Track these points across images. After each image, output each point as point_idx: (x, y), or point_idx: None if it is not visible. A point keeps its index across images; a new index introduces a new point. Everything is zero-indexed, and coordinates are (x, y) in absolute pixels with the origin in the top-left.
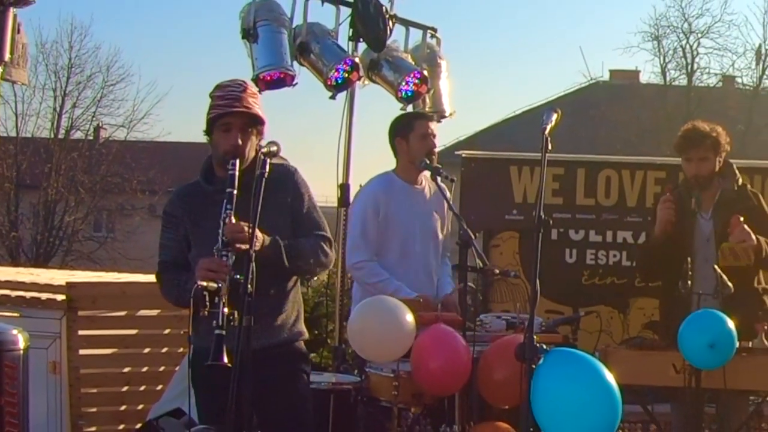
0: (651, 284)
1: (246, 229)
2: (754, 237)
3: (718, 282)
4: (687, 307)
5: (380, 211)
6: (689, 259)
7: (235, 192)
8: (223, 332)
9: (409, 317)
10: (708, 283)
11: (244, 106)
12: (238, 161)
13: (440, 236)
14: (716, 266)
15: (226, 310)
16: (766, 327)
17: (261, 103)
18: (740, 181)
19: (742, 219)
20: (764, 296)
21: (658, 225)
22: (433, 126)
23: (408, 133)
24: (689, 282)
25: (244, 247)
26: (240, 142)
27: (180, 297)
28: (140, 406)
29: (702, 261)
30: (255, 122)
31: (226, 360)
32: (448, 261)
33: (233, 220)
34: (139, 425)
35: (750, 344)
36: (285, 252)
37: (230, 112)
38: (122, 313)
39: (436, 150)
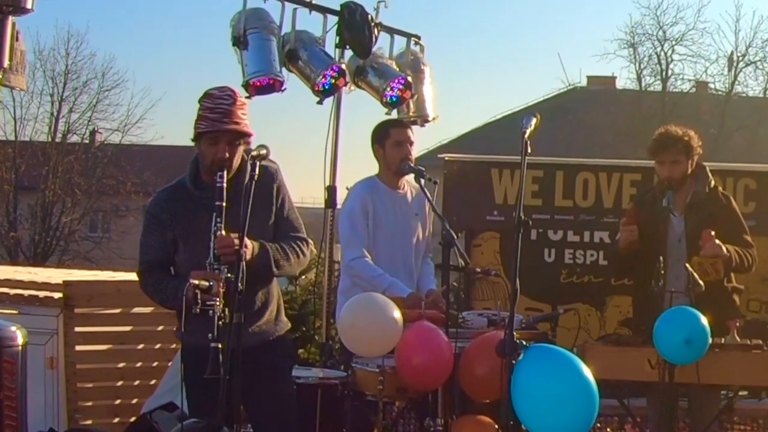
0: (627, 282)
1: (236, 242)
2: (725, 249)
3: (689, 280)
4: (659, 304)
5: (369, 212)
6: (662, 258)
7: (224, 204)
8: (219, 345)
9: (397, 314)
10: (680, 281)
11: (234, 122)
12: (225, 172)
13: (421, 238)
14: (687, 265)
15: (217, 316)
16: (737, 324)
17: (248, 111)
18: (712, 183)
19: (713, 233)
20: (734, 294)
21: (620, 242)
22: (411, 133)
23: (384, 140)
24: (662, 281)
25: (233, 258)
26: (227, 155)
27: (166, 300)
28: (134, 400)
29: (674, 260)
30: (243, 135)
31: (222, 372)
32: (430, 261)
33: (223, 233)
34: (133, 418)
35: (722, 340)
36: (273, 259)
37: (216, 130)
38: (117, 311)
39: (417, 153)
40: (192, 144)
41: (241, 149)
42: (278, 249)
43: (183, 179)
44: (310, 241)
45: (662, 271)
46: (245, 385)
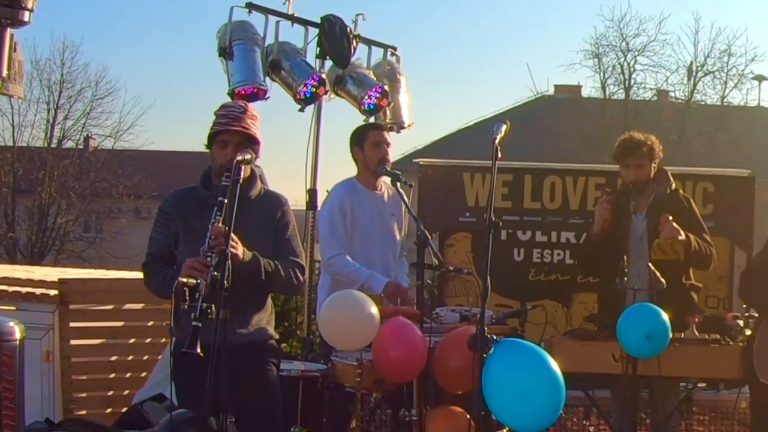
0: (592, 280)
1: (232, 238)
2: (683, 233)
3: (651, 278)
4: (622, 301)
5: (347, 212)
6: (626, 257)
7: (226, 201)
8: (200, 324)
9: (374, 310)
10: (642, 279)
11: (242, 126)
12: (232, 173)
13: (398, 237)
14: (650, 264)
15: (204, 304)
16: (696, 319)
17: (259, 125)
18: (673, 185)
19: (671, 218)
20: (692, 292)
21: (596, 223)
22: (387, 135)
23: (363, 142)
24: (625, 278)
25: (224, 249)
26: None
27: (162, 289)
28: (126, 392)
29: (636, 258)
30: (250, 141)
31: (198, 350)
32: (404, 260)
33: (220, 225)
34: (125, 409)
35: (682, 335)
36: (264, 268)
37: (227, 130)
38: (110, 307)
39: (394, 158)
40: (182, 149)
41: (249, 157)
42: (270, 262)
43: (196, 184)
44: (306, 268)
45: (626, 269)
46: (232, 381)
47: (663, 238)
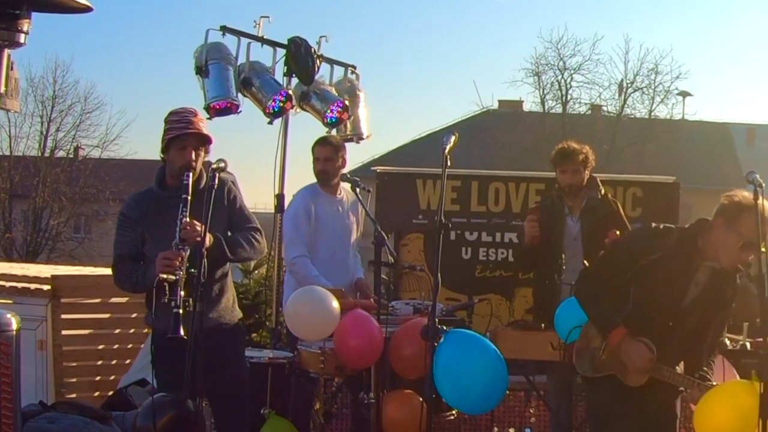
0: (531, 277)
1: (198, 227)
2: None
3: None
4: (558, 295)
5: (310, 214)
6: (563, 255)
7: (189, 198)
8: (180, 311)
9: (335, 304)
10: (576, 275)
11: (197, 128)
12: (191, 173)
13: (354, 236)
14: (585, 261)
15: (183, 293)
16: None
17: (207, 125)
18: (602, 191)
19: (618, 233)
20: None
21: (526, 238)
22: (332, 150)
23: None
24: (563, 275)
25: (198, 239)
26: (194, 158)
27: (138, 283)
28: (112, 377)
29: (571, 256)
30: (204, 142)
31: (182, 333)
32: (358, 254)
33: (188, 220)
34: (111, 392)
35: None
36: (226, 245)
37: (186, 133)
38: (97, 300)
39: (354, 166)
40: (155, 157)
41: (202, 155)
42: (231, 237)
43: (150, 187)
44: (262, 230)
45: (563, 267)
46: (207, 365)
47: None
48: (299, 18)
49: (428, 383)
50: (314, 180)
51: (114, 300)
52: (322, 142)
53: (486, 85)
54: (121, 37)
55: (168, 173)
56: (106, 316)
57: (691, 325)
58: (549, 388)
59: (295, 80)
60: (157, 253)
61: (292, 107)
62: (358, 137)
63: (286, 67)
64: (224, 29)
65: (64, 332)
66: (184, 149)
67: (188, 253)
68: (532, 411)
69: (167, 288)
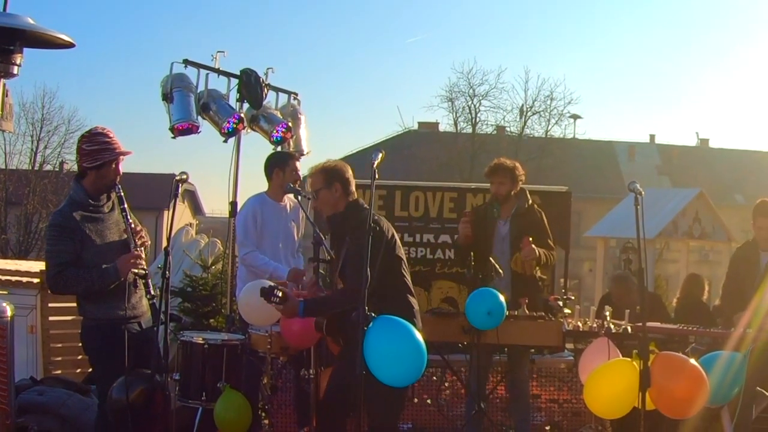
0: (447, 271)
1: (144, 232)
2: (537, 251)
3: (492, 269)
4: (478, 286)
5: (258, 219)
6: (494, 255)
7: (126, 206)
8: (156, 301)
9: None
10: (504, 270)
11: (124, 149)
12: (119, 186)
13: (296, 238)
14: (491, 258)
15: (153, 285)
16: (525, 301)
17: None
18: (530, 201)
19: (531, 239)
20: (539, 282)
21: (459, 237)
22: (298, 163)
23: (284, 166)
24: (493, 272)
25: (148, 242)
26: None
27: (94, 283)
28: None
29: (499, 254)
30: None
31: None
32: (300, 254)
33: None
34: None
35: (516, 312)
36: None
37: (122, 153)
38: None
39: (300, 178)
40: (135, 171)
41: (185, 177)
42: None
43: (73, 198)
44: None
45: (495, 264)
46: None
47: (524, 257)
48: (250, 52)
49: (359, 360)
50: (257, 189)
51: None
52: (293, 157)
53: (408, 109)
54: (99, 68)
55: (94, 186)
56: None
57: None
58: (466, 365)
59: (246, 105)
60: (97, 257)
61: (244, 128)
62: (299, 153)
63: (238, 94)
64: (186, 62)
65: (51, 318)
66: (117, 165)
67: (143, 251)
68: (447, 384)
69: (137, 282)
